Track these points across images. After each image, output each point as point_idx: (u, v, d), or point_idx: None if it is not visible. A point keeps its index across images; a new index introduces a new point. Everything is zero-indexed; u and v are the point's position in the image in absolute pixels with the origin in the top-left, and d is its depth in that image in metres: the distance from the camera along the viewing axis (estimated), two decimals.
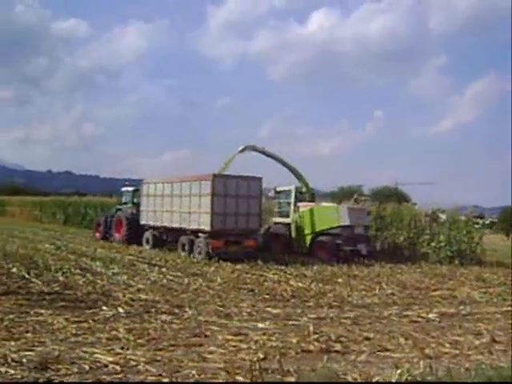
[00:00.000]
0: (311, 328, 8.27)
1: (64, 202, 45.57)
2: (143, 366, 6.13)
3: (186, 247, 20.38)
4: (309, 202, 23.10)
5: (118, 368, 6.01)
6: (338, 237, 20.92)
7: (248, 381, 5.51)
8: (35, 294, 10.82)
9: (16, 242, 22.42)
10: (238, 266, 17.16)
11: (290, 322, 9.14)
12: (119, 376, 5.77)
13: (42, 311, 9.19)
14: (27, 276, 12.93)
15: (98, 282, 12.78)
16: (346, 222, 20.74)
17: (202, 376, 5.78)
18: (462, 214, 23.21)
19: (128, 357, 6.43)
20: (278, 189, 24.75)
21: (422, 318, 10.03)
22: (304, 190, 23.70)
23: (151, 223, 23.47)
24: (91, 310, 9.48)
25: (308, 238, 22.11)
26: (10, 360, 6.05)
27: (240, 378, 5.55)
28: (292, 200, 23.40)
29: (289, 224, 23.24)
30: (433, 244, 22.24)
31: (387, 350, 7.35)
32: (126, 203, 26.91)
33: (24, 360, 6.09)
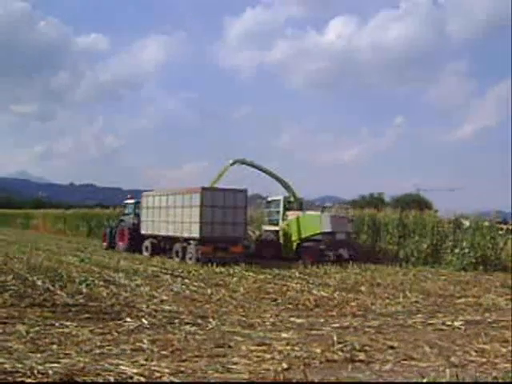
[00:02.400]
0: (335, 337, 8.21)
1: (87, 215, 46.10)
2: (167, 377, 6.13)
3: (180, 254, 22.42)
4: (297, 210, 24.95)
5: (142, 379, 6.01)
6: (321, 242, 22.84)
7: None
8: (60, 306, 10.91)
9: (40, 255, 22.64)
10: (261, 276, 17.20)
11: (314, 332, 9.10)
12: None
13: (67, 323, 9.24)
14: (52, 288, 13.06)
15: (122, 293, 12.86)
16: (328, 229, 22.65)
17: None
18: (485, 220, 22.98)
19: (152, 368, 6.43)
20: (268, 199, 27.10)
21: (447, 325, 9.91)
22: (292, 199, 25.71)
23: (150, 232, 25.58)
24: (115, 322, 9.52)
25: (295, 244, 23.95)
26: (36, 372, 6.08)
27: None
28: (281, 209, 25.40)
29: (278, 231, 25.15)
30: (456, 251, 22.01)
31: (412, 359, 7.26)
32: (128, 214, 29.08)
33: (50, 372, 6.11)
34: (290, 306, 11.87)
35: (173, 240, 23.49)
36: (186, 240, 22.33)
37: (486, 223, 22.61)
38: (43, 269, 17.09)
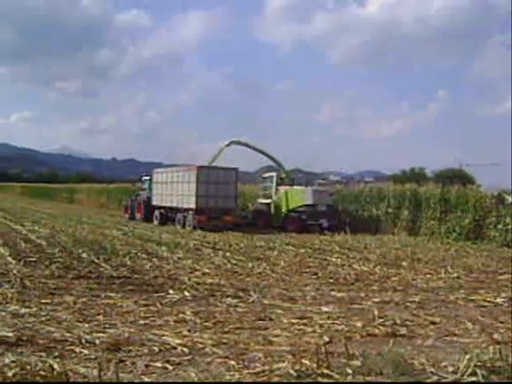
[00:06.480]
0: (376, 312, 8.22)
1: (129, 189, 46.63)
2: (210, 348, 6.24)
3: (181, 222, 26.51)
4: (287, 186, 28.48)
5: (185, 350, 6.15)
6: (303, 213, 26.21)
7: (314, 364, 5.51)
8: (105, 278, 11.18)
9: (85, 229, 23.16)
10: (301, 250, 17.26)
11: (355, 306, 9.11)
12: (187, 358, 5.91)
13: (112, 295, 9.49)
14: (96, 261, 13.38)
15: (165, 266, 13.09)
16: (310, 201, 26.13)
17: (269, 359, 5.84)
18: None
19: (195, 339, 6.55)
20: (264, 175, 30.74)
21: (490, 302, 9.78)
22: (284, 176, 29.62)
23: (159, 204, 29.69)
24: (158, 294, 9.71)
25: (282, 215, 27.46)
26: (83, 341, 6.30)
27: (306, 362, 5.58)
28: (274, 184, 28.92)
29: (270, 203, 28.61)
30: (499, 226, 21.61)
31: (454, 335, 7.22)
32: (144, 189, 33.01)
33: (97, 341, 6.31)
34: (330, 280, 11.90)
35: (176, 210, 27.61)
36: (186, 210, 26.38)
37: None
38: (88, 242, 17.52)
